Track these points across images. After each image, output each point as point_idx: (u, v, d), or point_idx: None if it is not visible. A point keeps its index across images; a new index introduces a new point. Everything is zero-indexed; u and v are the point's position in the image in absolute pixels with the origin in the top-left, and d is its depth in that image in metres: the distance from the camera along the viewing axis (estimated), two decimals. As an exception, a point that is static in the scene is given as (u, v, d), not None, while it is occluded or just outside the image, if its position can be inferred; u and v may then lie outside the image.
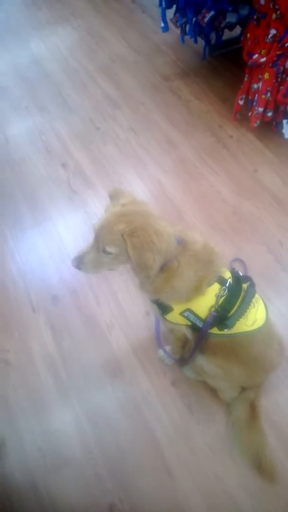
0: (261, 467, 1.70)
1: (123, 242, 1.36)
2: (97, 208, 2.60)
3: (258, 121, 2.81)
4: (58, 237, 2.50)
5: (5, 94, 3.37)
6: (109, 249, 1.40)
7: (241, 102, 2.90)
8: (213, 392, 1.87)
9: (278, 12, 2.30)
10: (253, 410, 1.77)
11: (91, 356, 2.05)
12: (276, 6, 2.30)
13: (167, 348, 1.97)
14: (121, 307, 2.19)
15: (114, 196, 1.51)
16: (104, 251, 1.42)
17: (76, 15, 4.08)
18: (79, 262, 1.48)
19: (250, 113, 2.84)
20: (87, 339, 2.11)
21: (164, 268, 1.46)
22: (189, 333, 1.71)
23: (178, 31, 3.32)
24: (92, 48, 3.73)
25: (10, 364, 2.04)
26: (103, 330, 2.13)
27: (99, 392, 1.96)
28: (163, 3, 3.07)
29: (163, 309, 1.59)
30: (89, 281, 2.28)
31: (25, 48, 3.76)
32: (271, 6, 2.35)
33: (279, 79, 2.60)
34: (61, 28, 3.96)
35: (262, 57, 2.52)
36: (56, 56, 3.67)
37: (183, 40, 3.35)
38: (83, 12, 4.11)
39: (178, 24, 3.21)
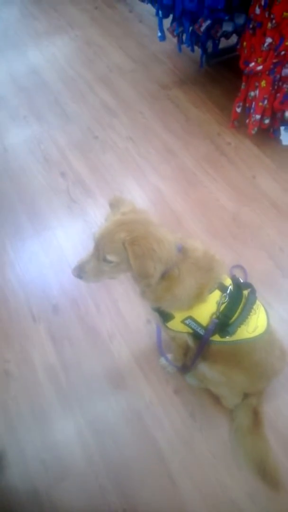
0: (265, 473, 1.70)
1: (123, 251, 1.37)
2: (96, 217, 2.62)
3: (256, 128, 2.85)
4: (58, 246, 2.52)
5: (3, 104, 3.41)
6: (110, 257, 1.41)
7: (238, 110, 2.94)
8: (216, 399, 1.88)
9: (274, 21, 2.34)
10: (256, 417, 1.78)
11: (92, 365, 2.06)
12: (272, 15, 2.34)
13: (169, 356, 1.98)
14: (122, 316, 2.20)
15: (114, 204, 1.52)
16: (105, 260, 1.42)
17: (73, 25, 4.14)
18: (80, 271, 1.49)
19: (247, 121, 2.87)
20: (88, 348, 2.11)
21: (165, 276, 1.46)
22: (190, 341, 1.71)
23: (175, 40, 3.36)
24: (89, 58, 3.78)
25: (11, 375, 2.05)
26: (104, 339, 2.14)
27: (101, 402, 1.97)
28: (160, 12, 3.10)
29: (165, 317, 1.60)
30: (90, 290, 2.29)
31: (23, 58, 3.80)
32: (267, 15, 2.39)
33: (275, 87, 2.64)
34: (59, 38, 4.01)
35: (259, 65, 2.55)
36: (54, 65, 3.72)
37: (180, 49, 3.39)
38: (80, 22, 4.17)
39: (175, 34, 3.25)
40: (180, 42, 3.32)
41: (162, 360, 2.02)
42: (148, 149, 3.02)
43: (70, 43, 3.95)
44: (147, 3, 3.15)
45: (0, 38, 4.04)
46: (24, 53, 3.86)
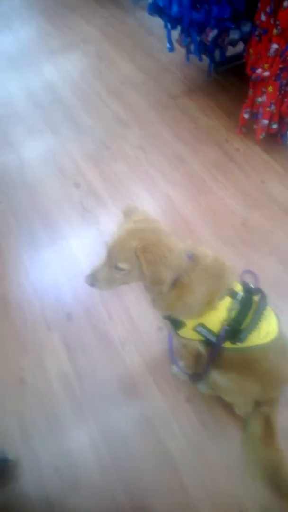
0: (279, 484, 1.60)
1: (135, 259, 1.33)
2: (109, 226, 2.55)
3: (264, 134, 2.75)
4: (71, 255, 2.46)
5: (20, 119, 3.38)
6: (122, 265, 1.37)
7: (246, 116, 2.84)
8: (228, 407, 1.78)
9: (279, 27, 2.26)
10: (269, 426, 1.67)
11: (105, 373, 1.99)
12: (277, 22, 2.26)
13: (181, 363, 1.90)
14: (134, 323, 2.13)
15: (127, 213, 1.48)
16: (117, 268, 1.39)
17: (85, 41, 4.10)
18: (93, 279, 1.45)
19: (255, 126, 2.78)
20: (101, 356, 2.04)
21: (176, 283, 1.42)
22: (202, 348, 1.65)
23: (183, 50, 3.29)
24: (101, 71, 3.73)
25: (25, 383, 1.99)
26: (117, 346, 2.07)
27: (114, 410, 1.89)
28: (168, 25, 3.05)
29: (176, 324, 1.55)
30: (102, 297, 2.22)
31: (38, 75, 3.78)
32: (272, 22, 2.30)
33: (282, 92, 2.55)
34: (72, 54, 3.98)
35: (265, 71, 2.47)
36: (68, 80, 3.68)
37: (188, 59, 3.32)
38: (92, 38, 4.12)
39: (183, 44, 3.19)
40: (189, 52, 3.26)
41: (174, 368, 1.94)
42: (158, 157, 2.95)
43: (83, 58, 3.91)
44: (156, 16, 3.09)
45: (17, 56, 4.03)
46: (39, 69, 3.84)
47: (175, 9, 2.79)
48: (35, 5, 4.72)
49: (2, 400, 1.95)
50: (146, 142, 3.06)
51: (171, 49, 3.26)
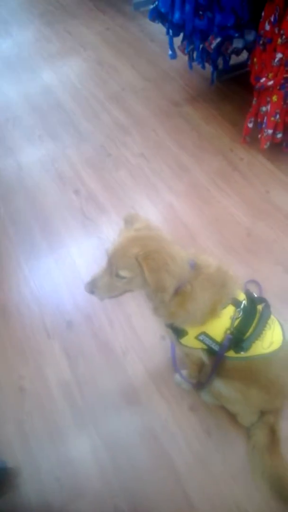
0: (284, 493, 1.67)
1: (137, 266, 1.38)
2: (110, 234, 2.66)
3: (268, 143, 2.87)
4: (72, 262, 2.56)
5: (18, 124, 3.52)
6: (123, 273, 1.43)
7: (250, 125, 2.97)
8: (232, 416, 1.87)
9: (284, 36, 2.39)
10: (273, 435, 1.75)
11: (106, 382, 2.07)
12: (281, 31, 2.39)
13: (184, 372, 1.98)
14: (136, 332, 2.22)
15: (129, 221, 1.54)
16: (118, 275, 1.44)
17: (86, 46, 4.27)
18: (92, 287, 1.51)
19: (259, 136, 2.90)
20: (103, 365, 2.13)
21: (178, 292, 1.47)
22: (205, 357, 1.71)
23: (186, 58, 3.44)
24: (102, 78, 3.88)
25: (25, 391, 2.07)
26: (118, 355, 2.15)
27: (116, 419, 1.97)
28: (171, 31, 3.18)
29: (178, 333, 1.61)
30: (103, 305, 2.31)
31: (37, 79, 3.93)
32: (276, 31, 2.44)
33: (287, 101, 2.67)
34: (72, 59, 4.14)
35: (270, 80, 2.60)
36: (67, 86, 3.83)
37: (191, 66, 3.47)
38: (93, 43, 4.30)
39: (186, 51, 3.33)
40: (191, 59, 3.40)
41: (177, 377, 2.02)
42: (161, 165, 3.07)
43: (83, 64, 4.07)
44: (158, 23, 3.23)
45: (15, 60, 4.19)
46: (38, 74, 3.99)
47: (177, 15, 2.91)
48: (34, 9, 4.92)
49: (2, 408, 2.02)
50: (147, 149, 3.19)
51: (173, 56, 3.39)
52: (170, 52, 3.37)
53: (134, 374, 2.09)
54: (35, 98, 3.74)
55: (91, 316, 2.31)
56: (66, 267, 2.55)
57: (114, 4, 4.83)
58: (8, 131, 3.46)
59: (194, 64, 3.41)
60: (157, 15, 3.15)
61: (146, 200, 2.86)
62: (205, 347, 1.62)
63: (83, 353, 2.17)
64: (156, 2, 3.05)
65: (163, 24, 3.21)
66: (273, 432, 1.76)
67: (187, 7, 2.82)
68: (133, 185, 2.96)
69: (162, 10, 2.99)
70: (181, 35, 3.21)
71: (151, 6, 3.14)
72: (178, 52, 3.39)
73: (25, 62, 4.16)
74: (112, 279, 1.47)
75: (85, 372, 2.11)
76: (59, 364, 2.14)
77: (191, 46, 3.25)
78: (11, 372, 2.14)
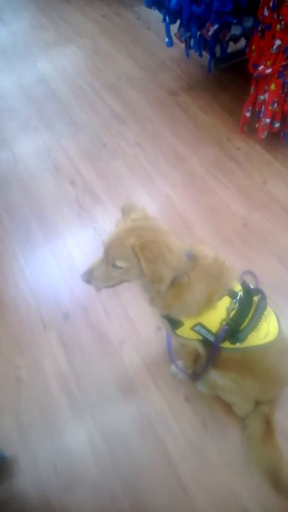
0: (278, 483, 1.70)
1: (133, 256, 1.38)
2: (106, 224, 2.66)
3: (266, 133, 2.86)
4: (68, 253, 2.56)
5: (13, 114, 3.49)
6: (119, 263, 1.43)
7: (248, 114, 2.95)
8: (228, 407, 1.89)
9: (283, 22, 2.35)
10: (268, 425, 1.78)
11: (103, 372, 2.09)
12: (280, 17, 2.35)
13: (179, 363, 1.99)
14: (132, 323, 2.23)
15: (126, 210, 1.54)
16: (114, 266, 1.44)
17: (81, 35, 4.22)
18: (89, 276, 1.51)
19: (257, 125, 2.89)
20: (99, 356, 2.14)
21: (174, 283, 1.47)
22: (200, 348, 1.72)
23: (182, 45, 3.40)
24: (98, 66, 3.84)
25: (22, 381, 2.09)
26: (115, 346, 2.17)
27: (113, 409, 1.99)
28: (167, 18, 3.14)
29: (174, 324, 1.61)
30: (100, 297, 2.32)
31: (32, 69, 3.89)
32: (275, 17, 2.40)
33: (285, 90, 2.65)
34: (67, 47, 4.10)
35: (268, 68, 2.57)
36: (63, 75, 3.80)
37: (188, 54, 3.43)
38: (89, 32, 4.25)
39: (183, 39, 3.28)
40: (188, 47, 3.36)
41: (173, 367, 2.04)
42: (157, 155, 3.06)
43: (79, 52, 4.03)
44: (154, 9, 3.18)
45: (10, 49, 4.15)
46: (33, 63, 3.95)
47: (174, 1, 2.87)
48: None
49: (-1, 399, 2.04)
50: (144, 139, 3.18)
51: (170, 43, 3.35)
52: (166, 40, 3.33)
53: (130, 365, 2.10)
54: (30, 88, 3.70)
55: (88, 307, 2.31)
56: (62, 258, 2.55)
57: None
58: (3, 121, 3.44)
59: (191, 52, 3.37)
60: (154, 1, 3.11)
61: (142, 190, 2.85)
62: (200, 338, 1.63)
63: (80, 345, 2.18)
64: (153, -11, 3.01)
65: (160, 10, 3.17)
66: (268, 422, 1.78)
67: (184, -7, 2.78)
68: (129, 175, 2.95)
69: (159, -4, 2.96)
70: (178, 22, 3.17)
71: (147, -7, 3.10)
72: (175, 40, 3.35)
73: (20, 50, 4.11)
74: (109, 269, 1.47)
75: (81, 363, 2.13)
76: (55, 355, 2.15)
77: (188, 33, 3.20)
78: (7, 362, 2.15)
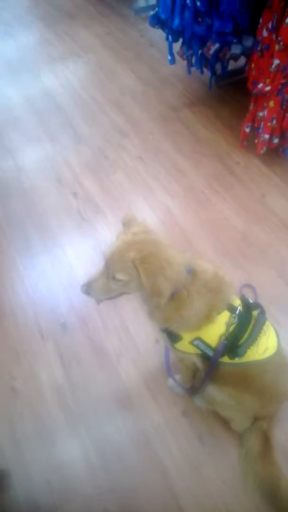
0: (276, 501, 1.61)
1: (133, 270, 1.35)
2: (106, 235, 2.59)
3: (265, 148, 2.82)
4: (68, 264, 2.49)
5: (19, 125, 3.45)
6: (119, 276, 1.39)
7: (247, 130, 2.92)
8: (225, 422, 1.80)
9: (281, 43, 2.34)
10: (266, 441, 1.69)
11: (100, 385, 2.00)
12: (279, 38, 2.34)
13: (177, 377, 1.91)
14: (130, 335, 2.15)
15: (127, 223, 1.50)
16: (114, 278, 1.40)
17: (86, 50, 4.20)
18: (88, 288, 1.46)
19: (256, 140, 2.85)
20: (96, 368, 2.06)
21: (174, 297, 1.43)
22: (199, 362, 1.66)
23: (185, 63, 3.38)
24: (102, 81, 3.81)
25: (17, 392, 2.00)
26: (112, 358, 2.08)
27: (109, 423, 1.90)
28: (170, 37, 3.14)
29: (173, 337, 1.56)
30: (98, 308, 2.22)
31: (38, 82, 3.86)
32: (274, 38, 2.39)
33: (284, 107, 2.62)
34: (72, 62, 4.07)
35: (267, 86, 2.54)
36: (68, 89, 3.76)
37: (189, 71, 3.42)
38: (93, 47, 4.23)
39: (185, 57, 3.28)
40: (190, 65, 3.35)
41: (170, 381, 1.95)
42: (158, 168, 3.01)
43: (83, 67, 4.00)
44: (157, 28, 3.18)
45: (16, 63, 4.12)
46: (39, 77, 3.92)
47: (176, 22, 2.88)
48: (36, 11, 4.87)
49: (-7, 409, 1.95)
50: (145, 153, 3.13)
51: (172, 61, 3.35)
52: (169, 57, 3.33)
53: (127, 378, 2.02)
54: (35, 100, 3.67)
55: (86, 318, 2.23)
56: (62, 267, 2.48)
57: (115, 8, 4.76)
58: (7, 132, 3.39)
59: (193, 69, 3.36)
60: (157, 21, 3.11)
61: (143, 202, 2.80)
62: (199, 352, 1.56)
63: (77, 356, 2.10)
64: (157, 9, 3.01)
65: (163, 29, 3.17)
66: (266, 439, 1.70)
67: (187, 14, 2.79)
68: (130, 188, 2.89)
69: (162, 16, 2.96)
70: (180, 40, 3.15)
71: (152, 12, 3.11)
72: (177, 58, 3.34)
73: (26, 65, 4.09)
74: (109, 282, 1.43)
75: (78, 375, 2.04)
76: (52, 366, 2.07)
77: (190, 52, 3.20)
78: (2, 372, 2.06)
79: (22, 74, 3.97)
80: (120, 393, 1.97)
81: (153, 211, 2.74)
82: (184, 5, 2.77)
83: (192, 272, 1.46)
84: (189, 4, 2.72)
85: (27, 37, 4.47)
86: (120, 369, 2.04)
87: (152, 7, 3.12)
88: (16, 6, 5.02)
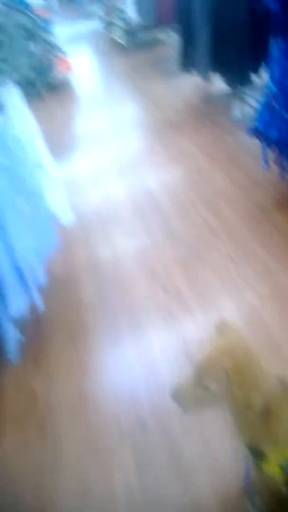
0: None
1: (226, 379, 1.30)
2: (194, 335, 2.54)
3: None
4: (152, 359, 2.48)
5: (121, 220, 3.77)
6: (210, 384, 1.33)
7: None
8: None
9: None
10: None
11: (172, 496, 1.85)
12: None
13: (256, 499, 1.70)
14: (210, 446, 1.99)
15: (220, 329, 1.46)
16: (204, 386, 1.34)
17: (184, 155, 4.56)
18: (176, 394, 1.41)
19: None
20: (171, 476, 1.92)
21: (263, 410, 1.33)
22: (286, 489, 1.47)
23: (277, 168, 3.48)
24: (198, 183, 4.05)
25: (88, 489, 1.93)
26: (187, 470, 1.93)
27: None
28: (266, 146, 3.29)
29: (258, 456, 1.43)
30: (181, 413, 2.15)
31: (142, 184, 4.24)
32: None
33: None
34: (173, 167, 4.43)
35: None
36: (167, 190, 4.06)
37: (282, 176, 3.49)
38: (191, 152, 4.58)
39: (279, 163, 3.38)
40: (282, 170, 3.43)
41: (249, 506, 1.74)
42: (247, 269, 2.99)
43: (182, 171, 4.32)
44: (253, 137, 3.36)
45: (126, 166, 4.63)
46: (143, 179, 4.31)
47: (274, 135, 3.02)
48: (147, 124, 5.57)
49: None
50: (235, 252, 3.15)
51: (267, 168, 3.47)
52: (264, 164, 3.45)
53: (202, 491, 1.85)
54: (138, 200, 4.00)
55: (166, 420, 2.13)
56: (147, 363, 2.46)
57: (214, 119, 5.16)
58: (111, 226, 3.71)
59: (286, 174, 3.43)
60: (254, 132, 3.29)
61: (230, 302, 2.76)
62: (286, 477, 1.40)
63: (152, 461, 1.99)
64: (255, 123, 3.20)
65: (260, 140, 3.33)
66: None
67: (284, 127, 2.93)
68: (219, 286, 2.89)
69: (261, 128, 3.13)
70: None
71: (249, 124, 3.31)
72: (271, 163, 3.45)
73: (134, 168, 4.56)
74: (198, 390, 1.37)
75: (152, 481, 1.92)
76: (126, 467, 1.97)
77: (284, 160, 3.29)
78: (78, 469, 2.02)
79: (129, 176, 4.43)
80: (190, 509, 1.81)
81: (240, 310, 2.69)
82: (282, 119, 2.93)
83: (283, 385, 1.36)
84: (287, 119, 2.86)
85: (139, 145, 5.08)
86: (196, 481, 1.88)
87: (248, 117, 3.34)
88: (132, 123, 5.76)
